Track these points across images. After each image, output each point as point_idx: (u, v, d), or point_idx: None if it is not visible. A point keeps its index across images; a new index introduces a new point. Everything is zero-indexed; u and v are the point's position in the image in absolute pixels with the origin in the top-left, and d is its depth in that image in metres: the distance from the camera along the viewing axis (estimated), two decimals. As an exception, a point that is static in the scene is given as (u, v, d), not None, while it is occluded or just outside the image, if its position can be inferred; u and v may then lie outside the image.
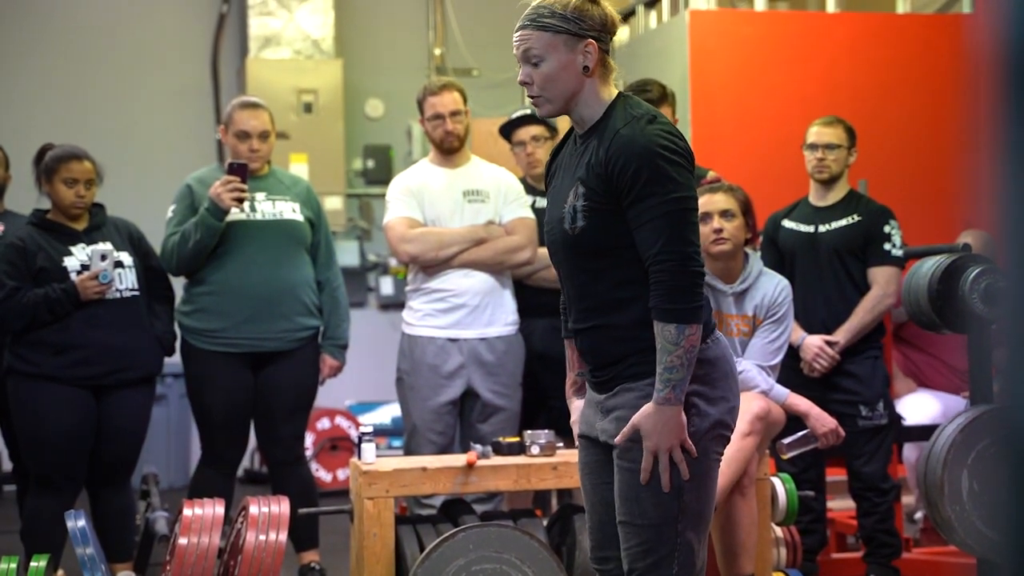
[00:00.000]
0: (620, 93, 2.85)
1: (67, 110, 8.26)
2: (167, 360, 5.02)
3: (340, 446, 7.64)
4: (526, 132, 5.21)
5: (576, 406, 3.03)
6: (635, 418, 2.72)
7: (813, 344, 4.87)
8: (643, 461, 2.71)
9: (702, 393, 2.78)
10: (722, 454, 2.88)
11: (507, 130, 5.26)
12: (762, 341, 4.19)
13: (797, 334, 4.85)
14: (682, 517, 2.76)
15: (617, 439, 2.76)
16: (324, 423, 7.64)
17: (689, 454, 2.73)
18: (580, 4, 2.79)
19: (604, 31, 2.81)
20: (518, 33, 2.82)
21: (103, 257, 4.69)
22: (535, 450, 4.22)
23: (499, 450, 4.26)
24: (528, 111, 5.29)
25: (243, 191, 4.79)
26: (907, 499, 5.66)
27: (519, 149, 5.24)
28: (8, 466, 5.70)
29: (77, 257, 4.72)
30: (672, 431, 2.69)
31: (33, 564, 4.00)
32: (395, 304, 8.32)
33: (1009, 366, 1.06)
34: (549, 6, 2.79)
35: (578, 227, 2.77)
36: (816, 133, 5.02)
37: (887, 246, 4.93)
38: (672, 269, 2.68)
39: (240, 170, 4.81)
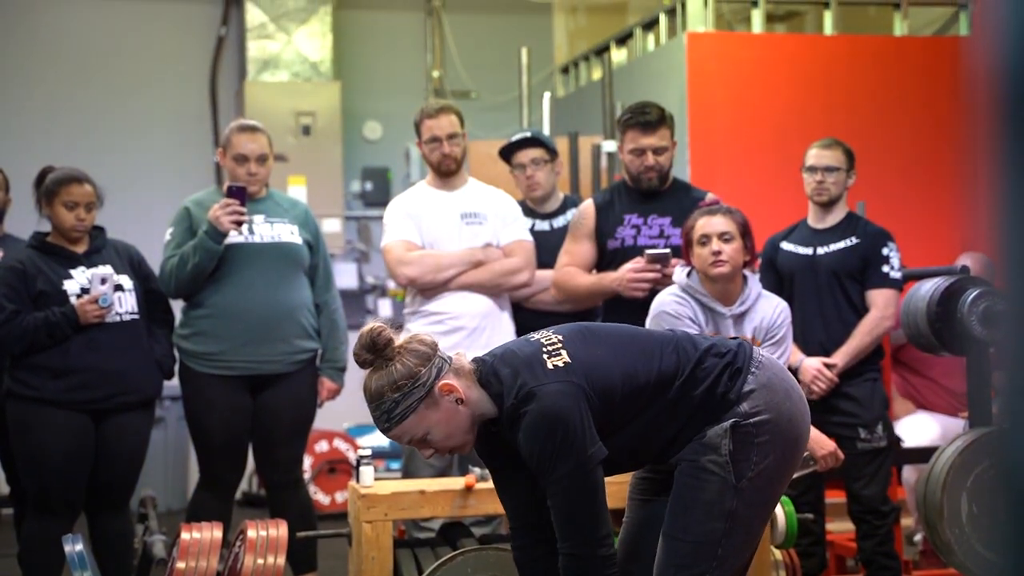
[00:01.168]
0: (481, 382, 2.82)
1: (66, 133, 8.27)
2: (165, 383, 5.01)
3: (338, 469, 7.63)
4: (526, 155, 5.21)
5: None
6: None
7: (811, 367, 4.86)
8: None
9: (768, 421, 2.80)
10: (789, 479, 2.91)
11: (507, 152, 5.27)
12: (761, 363, 4.18)
13: (795, 356, 4.84)
14: (725, 540, 2.77)
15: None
16: (322, 446, 7.62)
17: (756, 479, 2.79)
18: (400, 369, 2.75)
19: (433, 361, 2.78)
20: (390, 435, 2.81)
21: (103, 280, 4.68)
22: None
23: (498, 473, 4.24)
24: (528, 134, 5.30)
25: (242, 214, 4.79)
26: (906, 521, 5.64)
27: (519, 171, 5.25)
28: (5, 489, 5.68)
29: (77, 280, 4.71)
30: None
31: (30, 588, 3.99)
32: (394, 327, 8.31)
33: (1007, 396, 1.06)
34: (387, 398, 2.75)
35: None
36: (815, 156, 5.01)
37: (885, 268, 4.92)
38: (565, 555, 2.75)
39: (239, 193, 4.81)
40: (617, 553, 3.00)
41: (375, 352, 2.75)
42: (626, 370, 2.80)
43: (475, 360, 2.87)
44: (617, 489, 3.31)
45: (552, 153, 5.25)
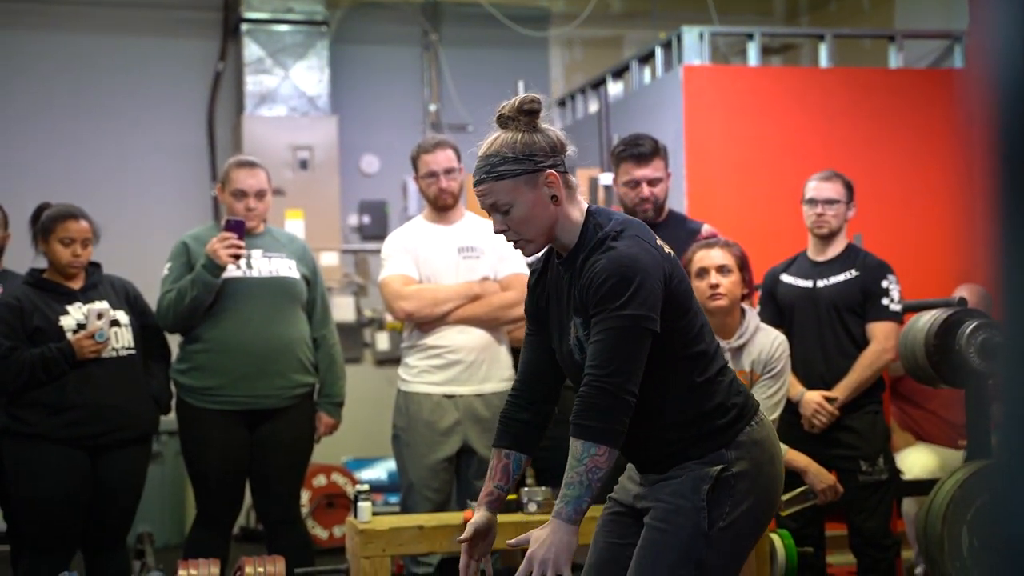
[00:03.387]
0: (588, 210, 2.84)
1: (64, 168, 8.28)
2: (163, 418, 5.00)
3: (336, 503, 7.59)
4: None
5: (481, 516, 2.95)
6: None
7: (812, 400, 4.85)
8: (520, 568, 2.70)
9: (748, 474, 2.77)
10: (757, 539, 2.86)
11: None
12: (760, 397, 4.17)
13: (796, 390, 4.83)
14: None
15: (508, 542, 2.76)
16: (320, 480, 7.59)
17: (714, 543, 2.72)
18: (526, 139, 2.78)
19: (556, 154, 2.81)
20: (478, 188, 2.82)
21: (99, 316, 4.68)
22: (532, 507, 4.19)
23: (496, 508, 4.22)
24: None
25: (240, 247, 4.79)
26: (907, 554, 5.62)
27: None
28: (2, 527, 5.66)
29: (73, 316, 4.71)
30: (556, 547, 2.66)
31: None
32: (391, 359, 8.30)
33: (1004, 429, 1.05)
34: (498, 153, 2.79)
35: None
36: (815, 188, 5.01)
37: (885, 301, 4.92)
38: (595, 386, 2.66)
39: (237, 227, 4.81)
40: None
41: (518, 113, 2.80)
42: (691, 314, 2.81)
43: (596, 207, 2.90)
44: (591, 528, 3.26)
45: None
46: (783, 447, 4.22)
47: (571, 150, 2.87)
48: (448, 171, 4.93)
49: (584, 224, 2.80)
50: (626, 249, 2.71)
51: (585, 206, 2.84)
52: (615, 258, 2.69)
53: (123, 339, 4.77)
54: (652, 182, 4.76)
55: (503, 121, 2.83)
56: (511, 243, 2.85)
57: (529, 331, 3.01)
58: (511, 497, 4.27)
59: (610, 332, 2.66)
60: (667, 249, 2.83)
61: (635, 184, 4.77)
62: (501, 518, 4.15)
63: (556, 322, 2.88)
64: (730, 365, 4.14)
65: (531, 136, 2.79)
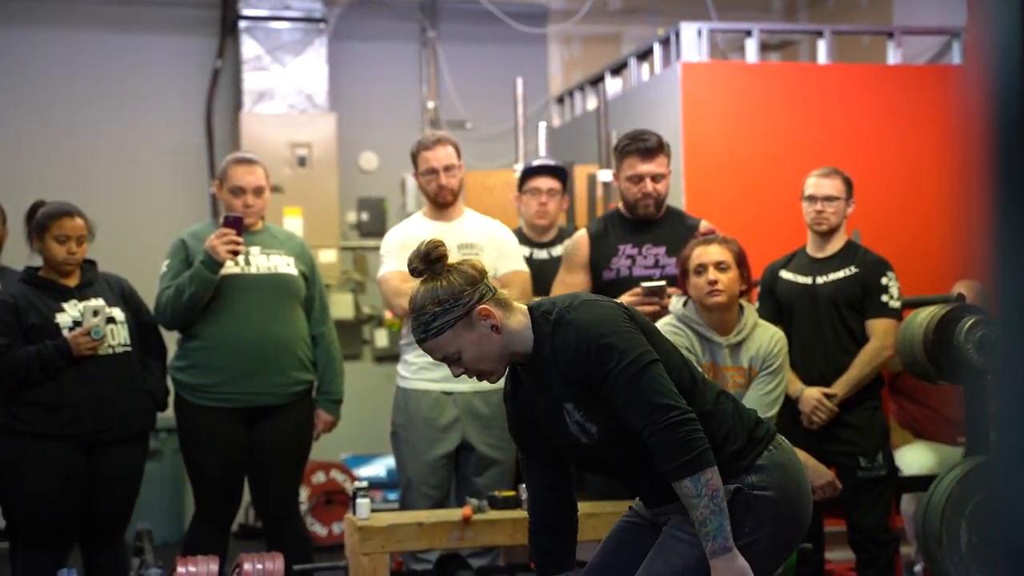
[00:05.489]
0: (529, 308, 2.88)
1: (62, 165, 8.27)
2: (161, 415, 5.00)
3: (335, 500, 7.60)
4: (544, 182, 5.29)
5: None
6: None
7: (811, 397, 4.85)
8: None
9: (772, 500, 2.80)
10: (779, 563, 2.89)
11: (523, 175, 5.34)
12: (758, 393, 4.18)
13: (795, 386, 4.83)
14: None
15: None
16: (319, 477, 7.59)
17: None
18: (446, 287, 2.81)
19: (477, 286, 2.83)
20: (424, 347, 2.86)
21: (95, 313, 4.67)
22: (531, 504, 4.18)
23: (495, 504, 4.23)
24: (550, 161, 5.40)
25: (238, 243, 4.79)
26: (906, 550, 5.62)
27: (531, 196, 5.28)
28: (1, 523, 5.65)
29: (69, 313, 4.71)
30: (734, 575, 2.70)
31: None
32: (390, 356, 8.30)
33: (1001, 426, 1.05)
34: (427, 311, 2.81)
35: (593, 432, 2.81)
36: (814, 185, 5.00)
37: (884, 298, 4.91)
38: (660, 430, 2.70)
39: (236, 223, 4.81)
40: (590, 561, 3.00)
41: (427, 263, 2.83)
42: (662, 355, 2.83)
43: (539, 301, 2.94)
44: (598, 523, 3.28)
45: (564, 186, 5.37)
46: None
47: (490, 276, 2.92)
48: (448, 168, 4.93)
49: (533, 324, 2.84)
50: (587, 314, 2.78)
51: (525, 307, 2.88)
52: (584, 327, 2.76)
53: (119, 336, 4.77)
54: (656, 178, 4.74)
55: (416, 274, 2.86)
56: (475, 378, 2.90)
57: (524, 456, 3.06)
58: (510, 494, 4.27)
59: (628, 385, 2.71)
60: (620, 300, 2.92)
61: (639, 179, 4.74)
62: (501, 515, 4.16)
63: (548, 424, 2.90)
64: (728, 361, 4.17)
65: (448, 279, 2.82)
